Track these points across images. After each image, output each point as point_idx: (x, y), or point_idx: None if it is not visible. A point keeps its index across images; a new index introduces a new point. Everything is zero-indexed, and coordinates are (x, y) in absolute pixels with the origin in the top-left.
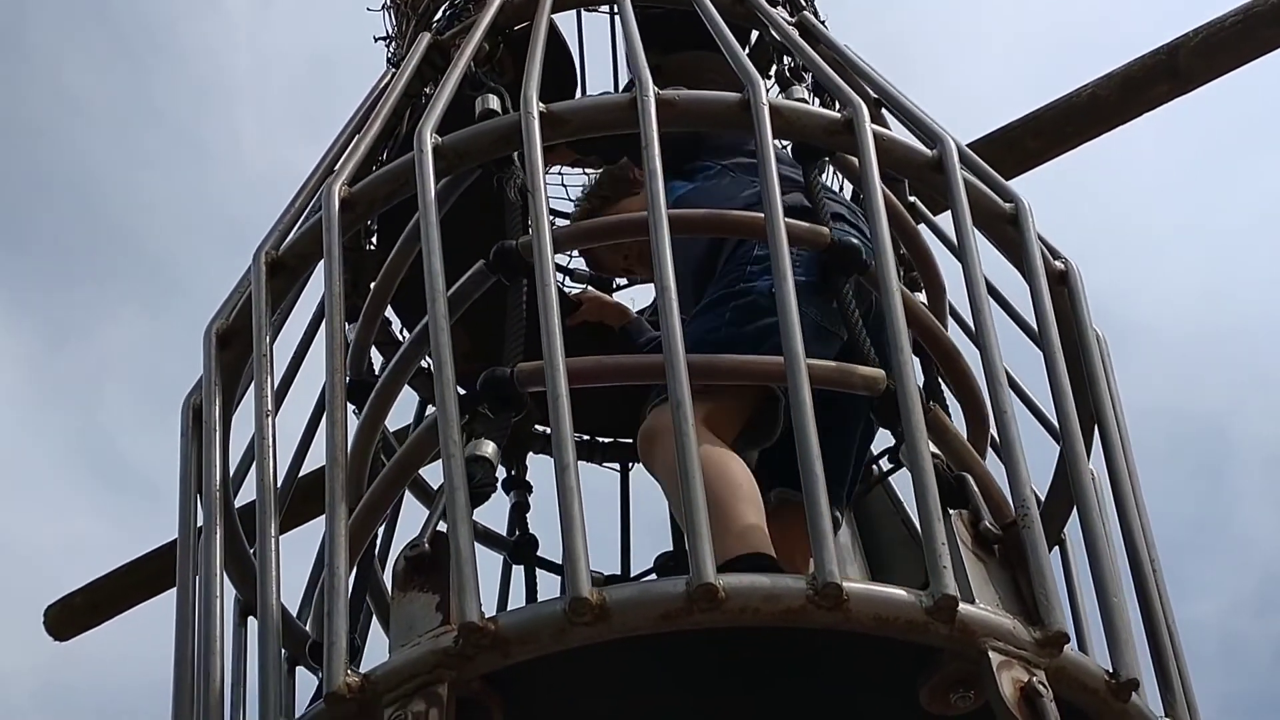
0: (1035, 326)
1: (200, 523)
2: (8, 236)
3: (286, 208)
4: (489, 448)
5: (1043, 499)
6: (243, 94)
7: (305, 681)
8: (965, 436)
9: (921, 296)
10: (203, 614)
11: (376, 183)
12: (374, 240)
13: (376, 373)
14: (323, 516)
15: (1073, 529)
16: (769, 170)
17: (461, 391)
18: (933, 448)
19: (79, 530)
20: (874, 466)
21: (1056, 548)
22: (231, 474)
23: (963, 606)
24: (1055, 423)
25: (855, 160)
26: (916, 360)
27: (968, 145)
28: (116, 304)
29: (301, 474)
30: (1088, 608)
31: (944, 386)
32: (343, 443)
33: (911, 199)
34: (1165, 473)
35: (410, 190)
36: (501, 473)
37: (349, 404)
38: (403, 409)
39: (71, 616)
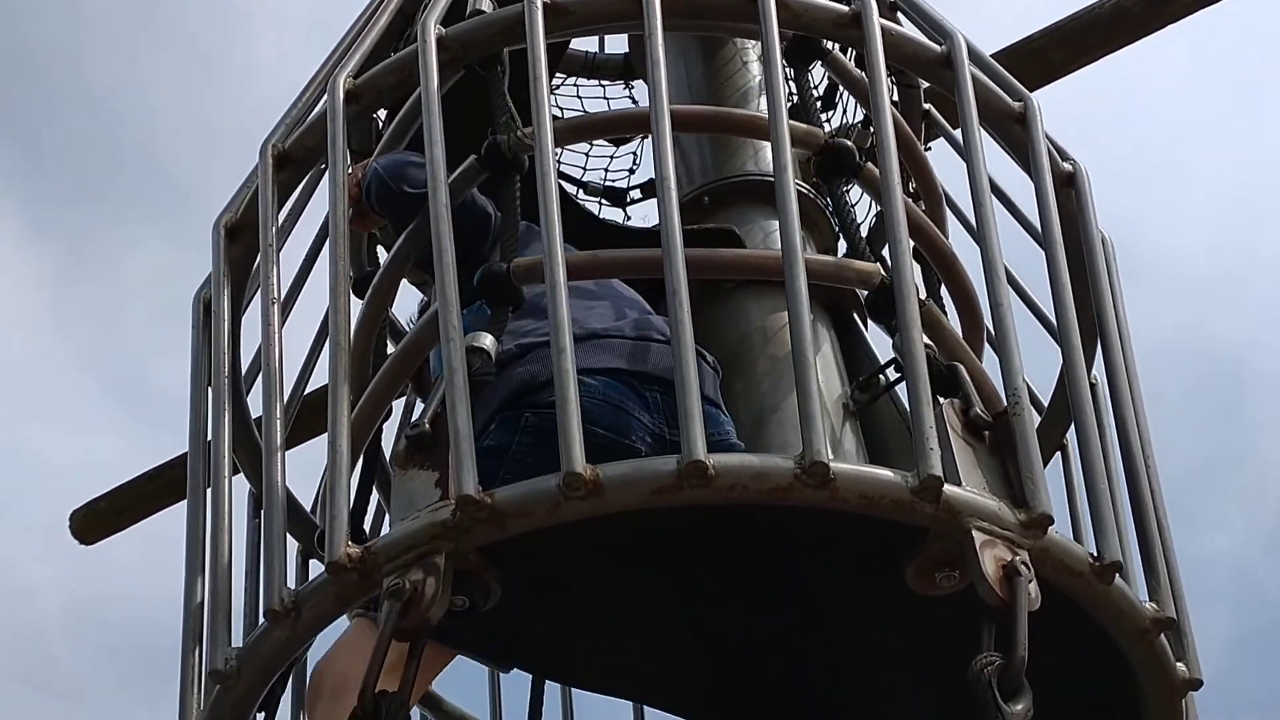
0: (1039, 226)
1: (210, 414)
2: (24, 157)
3: (294, 102)
4: (487, 340)
5: (1045, 406)
6: (261, 14)
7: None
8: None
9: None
10: (212, 501)
11: (381, 74)
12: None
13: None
14: None
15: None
16: (774, 60)
17: None
18: (927, 340)
19: (100, 448)
20: (880, 376)
21: (1057, 454)
22: (243, 374)
23: (948, 487)
24: (1054, 321)
25: (858, 72)
26: (917, 266)
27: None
28: (136, 225)
29: (309, 391)
30: (1085, 511)
31: (945, 301)
32: (345, 327)
33: (926, 106)
34: (1182, 408)
35: (415, 82)
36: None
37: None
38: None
39: (97, 520)
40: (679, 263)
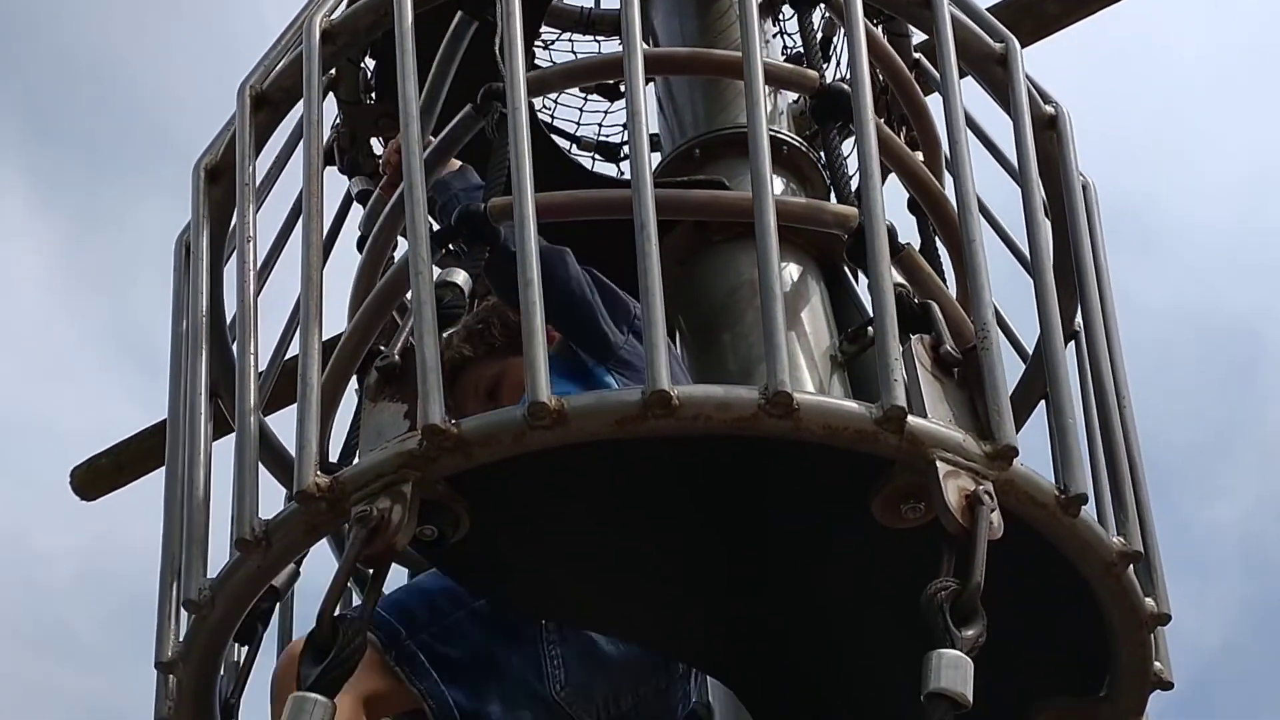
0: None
1: (189, 351)
2: (35, 126)
3: (273, 44)
4: (460, 275)
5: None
6: None
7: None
8: (955, 296)
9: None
10: (188, 434)
11: (357, 13)
12: (373, 95)
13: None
14: None
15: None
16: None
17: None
18: (901, 280)
19: (112, 414)
20: (868, 328)
21: (1040, 404)
22: (227, 323)
23: (912, 418)
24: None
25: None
26: (914, 219)
27: (985, 9)
28: (147, 193)
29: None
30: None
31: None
32: (318, 260)
33: (917, 56)
34: (1195, 375)
35: (390, 22)
36: None
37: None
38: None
39: (97, 477)
40: (648, 198)
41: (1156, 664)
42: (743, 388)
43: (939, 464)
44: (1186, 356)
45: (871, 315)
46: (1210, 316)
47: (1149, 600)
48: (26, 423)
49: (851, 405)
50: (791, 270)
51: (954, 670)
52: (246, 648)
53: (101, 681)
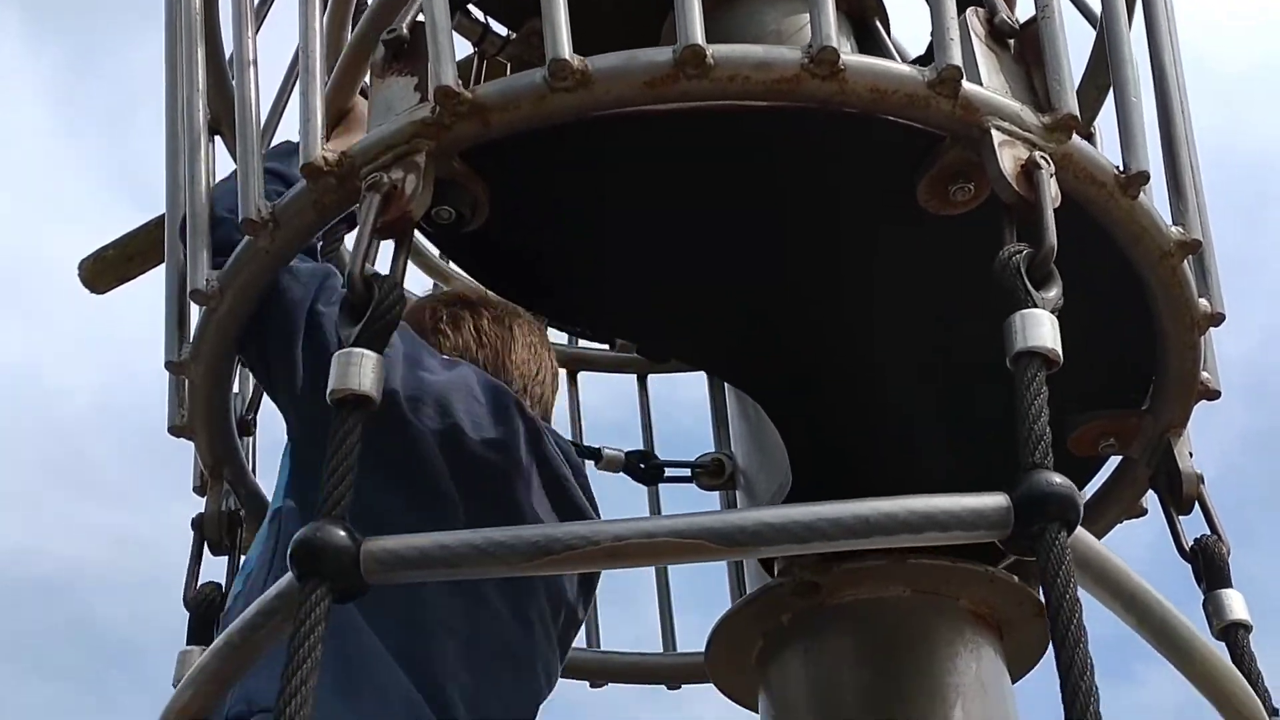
0: None
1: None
2: None
3: None
4: None
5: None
6: None
7: None
8: None
9: None
10: (186, 121)
11: None
12: None
13: None
14: None
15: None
16: None
17: None
18: None
19: None
20: None
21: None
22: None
23: (967, 83)
24: None
25: None
26: None
27: None
28: (140, 24)
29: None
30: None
31: None
32: None
33: None
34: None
35: None
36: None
37: None
38: None
39: (106, 268)
40: None
41: (1204, 373)
42: (783, 48)
43: (994, 132)
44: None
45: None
46: (1232, 147)
47: (1202, 301)
48: (34, 261)
49: (902, 66)
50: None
51: (1040, 328)
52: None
53: (125, 515)
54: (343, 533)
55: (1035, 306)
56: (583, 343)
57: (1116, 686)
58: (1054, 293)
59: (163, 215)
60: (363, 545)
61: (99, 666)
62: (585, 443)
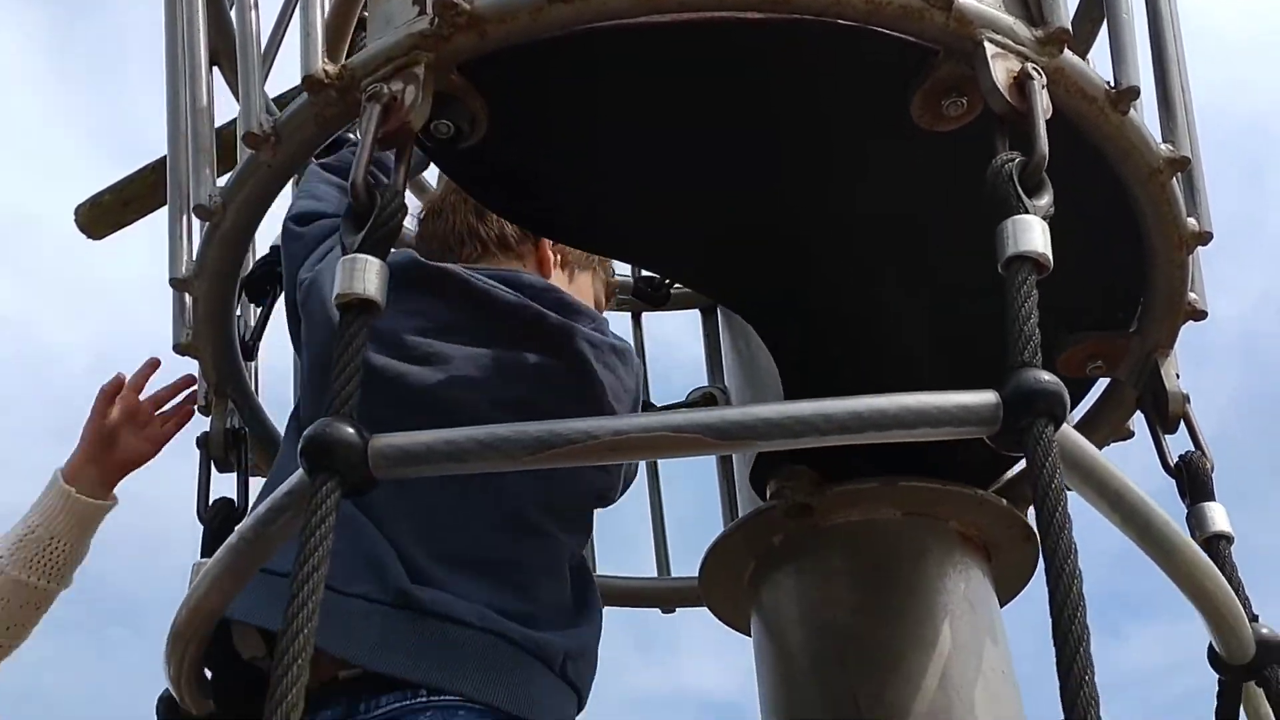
0: None
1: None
2: None
3: None
4: None
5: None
6: None
7: None
8: None
9: None
10: (186, 40)
11: None
12: None
13: None
14: None
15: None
16: None
17: None
18: None
19: None
20: None
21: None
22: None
23: None
24: None
25: None
26: None
27: None
28: None
29: None
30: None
31: None
32: None
33: None
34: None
35: None
36: None
37: None
38: None
39: (103, 214)
40: None
41: (1192, 294)
42: None
43: (986, 45)
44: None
45: None
46: (1226, 112)
47: (1190, 219)
48: (25, 219)
49: None
50: None
51: (1030, 233)
52: (260, 307)
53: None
54: (351, 429)
55: (1027, 213)
56: None
57: (1104, 645)
58: (1045, 200)
59: (158, 160)
60: (370, 441)
61: (98, 622)
62: None
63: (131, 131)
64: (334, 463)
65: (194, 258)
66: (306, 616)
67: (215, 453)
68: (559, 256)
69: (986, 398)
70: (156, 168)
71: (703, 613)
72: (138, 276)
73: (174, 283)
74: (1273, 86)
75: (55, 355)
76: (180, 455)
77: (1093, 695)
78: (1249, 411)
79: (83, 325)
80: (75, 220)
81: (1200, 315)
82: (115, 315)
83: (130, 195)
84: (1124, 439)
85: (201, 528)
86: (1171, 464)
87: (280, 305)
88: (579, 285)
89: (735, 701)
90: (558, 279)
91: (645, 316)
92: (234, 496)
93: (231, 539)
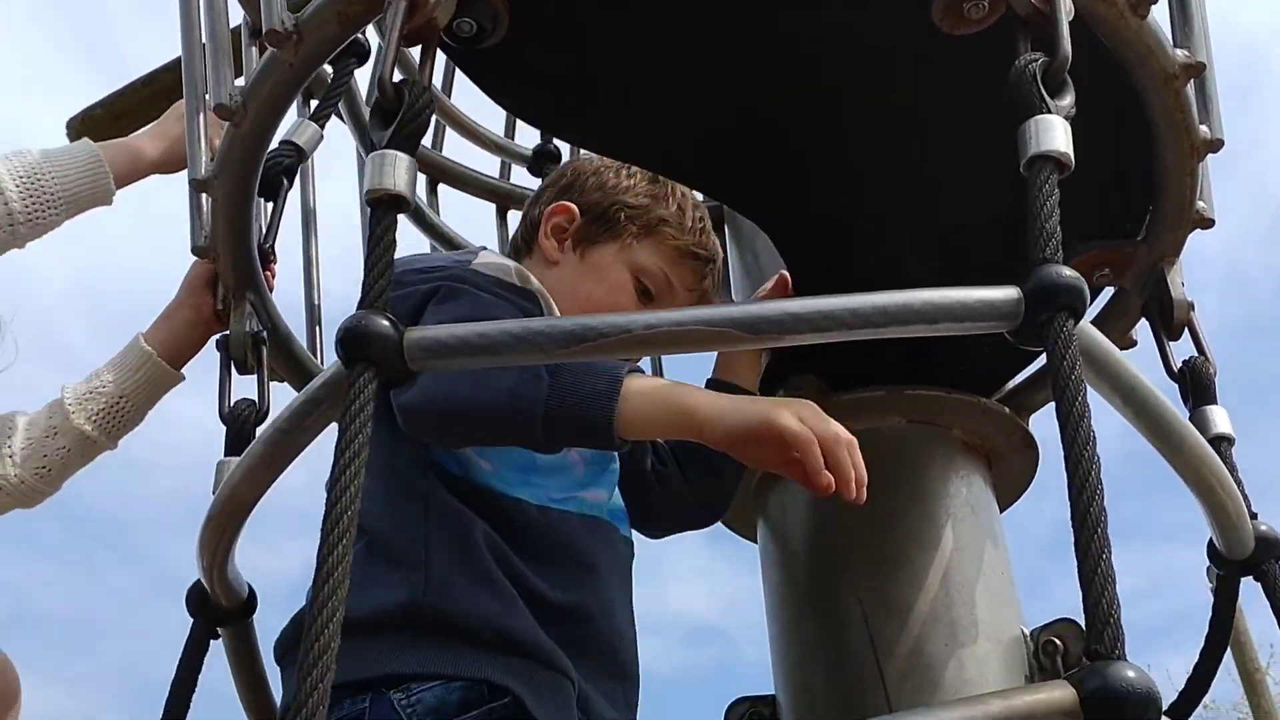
0: None
1: None
2: None
3: None
4: None
5: None
6: None
7: None
8: None
9: None
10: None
11: None
12: None
13: None
14: None
15: None
16: None
17: None
18: None
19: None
20: None
21: None
22: None
23: None
24: None
25: None
26: None
27: None
28: None
29: None
30: None
31: None
32: None
33: None
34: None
35: None
36: None
37: None
38: None
39: (95, 126)
40: None
41: (1200, 202)
42: None
43: None
44: None
45: None
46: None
47: (1203, 127)
48: (5, 136)
49: None
50: None
51: (1053, 132)
52: (273, 203)
53: None
54: (386, 321)
55: (1049, 113)
56: None
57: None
58: (1068, 101)
59: (149, 74)
60: (405, 333)
61: (84, 543)
62: None
63: (106, 50)
64: (370, 353)
65: (213, 158)
66: (351, 497)
67: (236, 354)
68: (557, 242)
69: (1008, 293)
70: (147, 81)
71: (686, 540)
72: (122, 201)
73: (194, 183)
74: (1271, 10)
75: (33, 278)
76: None
77: (1110, 574)
78: (1231, 337)
79: (64, 251)
80: (67, 134)
81: (1208, 223)
82: (97, 243)
83: (121, 109)
84: (1127, 348)
85: (224, 428)
86: (1175, 369)
87: (293, 200)
88: (592, 263)
89: (719, 626)
90: (567, 261)
91: None
92: (254, 398)
93: (266, 430)
